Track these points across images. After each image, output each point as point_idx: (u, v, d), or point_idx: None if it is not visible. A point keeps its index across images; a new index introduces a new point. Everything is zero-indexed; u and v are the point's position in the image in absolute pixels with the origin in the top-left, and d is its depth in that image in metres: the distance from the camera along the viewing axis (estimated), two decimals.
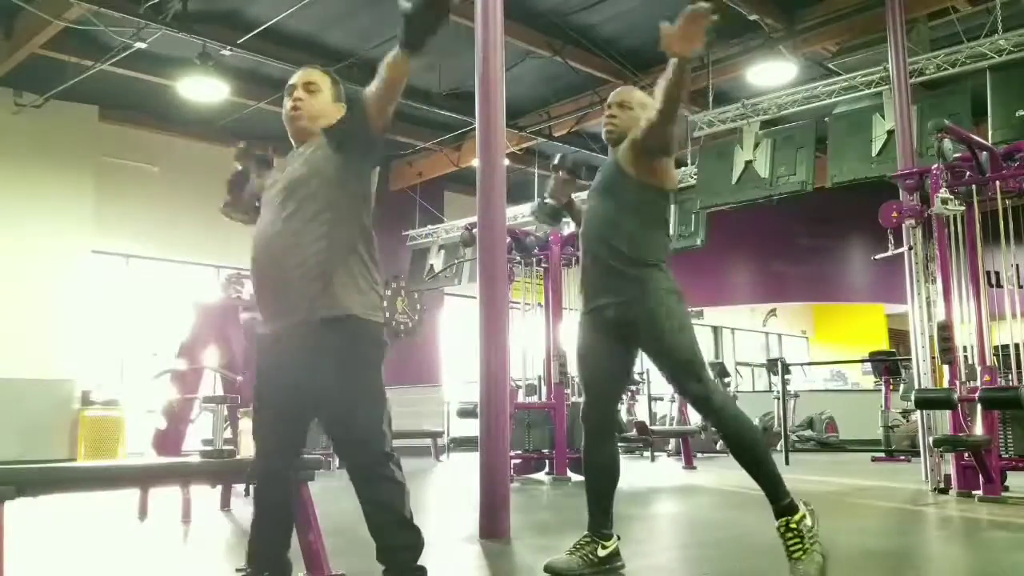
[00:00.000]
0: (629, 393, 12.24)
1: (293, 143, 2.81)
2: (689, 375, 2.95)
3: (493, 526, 4.08)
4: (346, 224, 2.61)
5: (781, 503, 2.84)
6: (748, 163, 9.02)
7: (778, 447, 9.93)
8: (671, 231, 3.39)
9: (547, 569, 3.05)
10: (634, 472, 8.89)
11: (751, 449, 2.92)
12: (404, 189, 13.77)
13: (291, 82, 2.80)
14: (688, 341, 2.98)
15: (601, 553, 3.09)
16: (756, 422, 12.44)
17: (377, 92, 2.52)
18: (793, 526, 2.80)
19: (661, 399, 12.56)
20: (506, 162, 5.01)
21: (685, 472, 8.67)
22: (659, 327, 2.96)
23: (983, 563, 3.60)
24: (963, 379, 5.60)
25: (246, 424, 3.00)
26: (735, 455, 2.94)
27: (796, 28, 9.25)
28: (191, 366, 5.21)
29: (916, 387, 6.21)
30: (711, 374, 3.06)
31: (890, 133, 7.74)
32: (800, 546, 2.78)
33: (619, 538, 3.16)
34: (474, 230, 5.51)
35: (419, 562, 2.49)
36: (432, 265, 13.00)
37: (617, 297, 3.02)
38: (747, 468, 2.91)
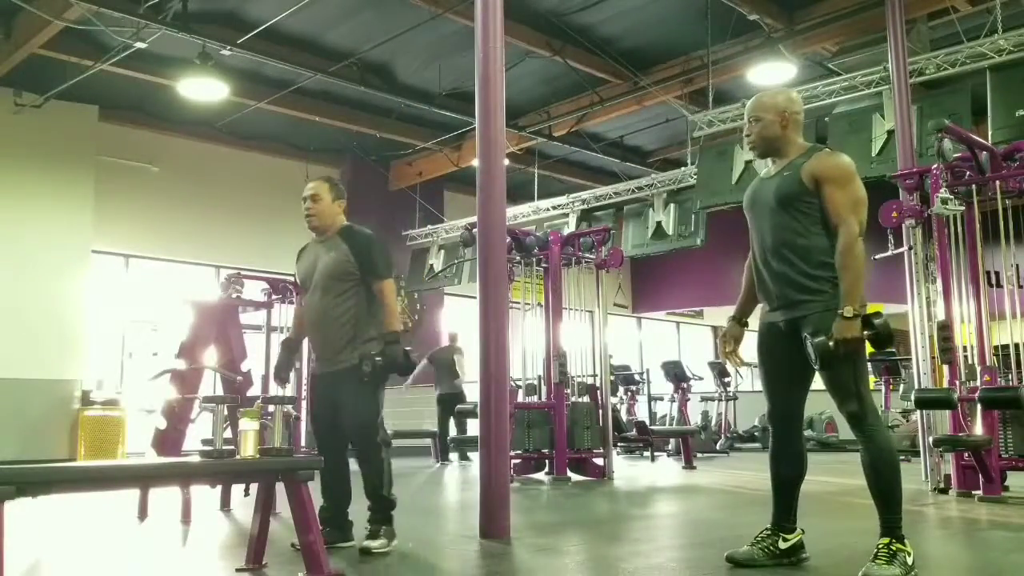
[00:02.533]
0: (629, 393, 12.28)
1: (314, 235, 3.94)
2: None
3: (493, 526, 4.08)
4: (361, 297, 3.78)
5: (893, 526, 2.88)
6: (748, 163, 9.02)
7: None
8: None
9: (728, 559, 3.12)
10: (634, 472, 8.89)
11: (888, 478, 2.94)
12: (404, 189, 13.77)
13: (304, 195, 3.88)
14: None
15: (783, 545, 3.14)
16: (756, 422, 12.49)
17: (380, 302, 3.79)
18: (894, 549, 2.84)
19: (661, 399, 12.58)
20: (506, 162, 5.01)
21: (685, 472, 8.67)
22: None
23: (983, 563, 3.60)
24: (963, 379, 5.59)
25: (246, 424, 3.01)
26: (869, 478, 2.95)
27: (796, 28, 9.25)
28: (191, 366, 5.20)
29: (916, 387, 6.20)
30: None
31: (890, 133, 7.74)
32: (887, 561, 2.81)
33: (803, 531, 3.19)
34: (474, 230, 5.51)
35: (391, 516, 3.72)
36: (432, 265, 13.00)
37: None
38: (877, 493, 2.94)
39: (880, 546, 2.86)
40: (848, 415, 2.98)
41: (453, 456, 10.58)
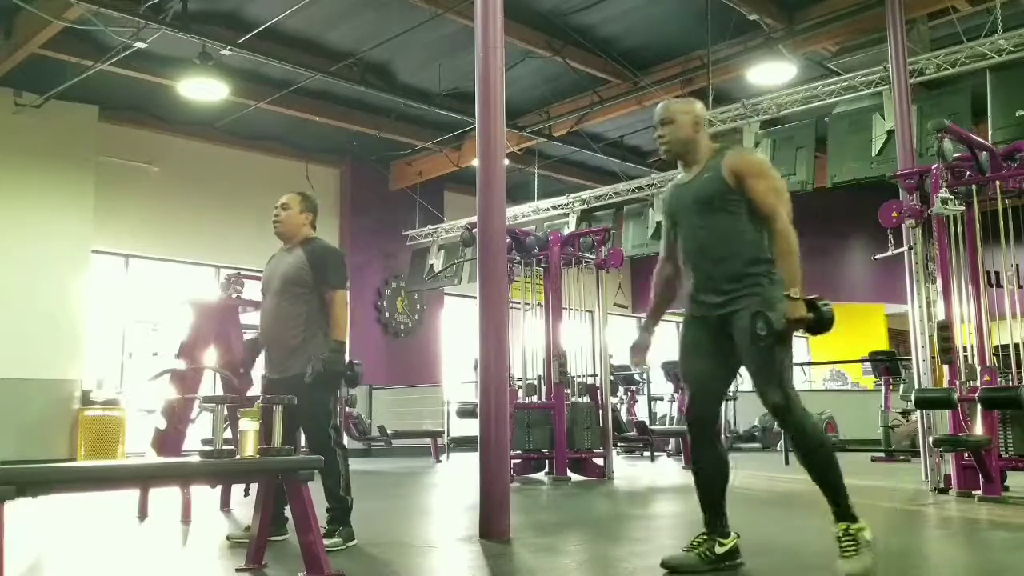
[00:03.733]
0: (629, 393, 12.28)
1: (281, 242, 4.14)
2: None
3: (493, 526, 4.08)
4: (313, 305, 3.94)
5: (841, 507, 2.95)
6: None
7: (778, 447, 9.94)
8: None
9: (664, 565, 3.13)
10: (634, 472, 8.89)
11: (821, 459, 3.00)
12: (404, 189, 13.76)
13: (276, 204, 4.11)
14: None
15: (719, 550, 3.15)
16: (756, 422, 12.48)
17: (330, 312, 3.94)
18: (852, 532, 2.91)
19: (661, 399, 12.57)
20: (506, 162, 5.01)
21: (685, 472, 8.66)
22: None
23: (983, 563, 3.60)
24: (963, 379, 5.59)
25: (246, 424, 3.01)
26: (808, 470, 3.01)
27: (796, 28, 9.24)
28: (191, 366, 5.20)
29: (916, 387, 6.20)
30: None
31: (890, 133, 7.73)
32: (854, 548, 2.89)
33: (738, 536, 3.21)
34: (474, 230, 5.51)
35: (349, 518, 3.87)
36: (432, 265, 12.99)
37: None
38: (819, 482, 2.99)
39: (840, 536, 2.92)
40: (772, 407, 3.01)
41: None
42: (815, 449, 3.00)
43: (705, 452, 3.23)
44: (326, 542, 3.56)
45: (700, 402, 3.22)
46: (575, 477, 7.81)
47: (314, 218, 4.15)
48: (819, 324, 2.99)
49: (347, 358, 4.00)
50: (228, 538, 4.03)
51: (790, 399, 2.99)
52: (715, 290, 3.11)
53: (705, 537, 3.17)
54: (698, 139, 3.25)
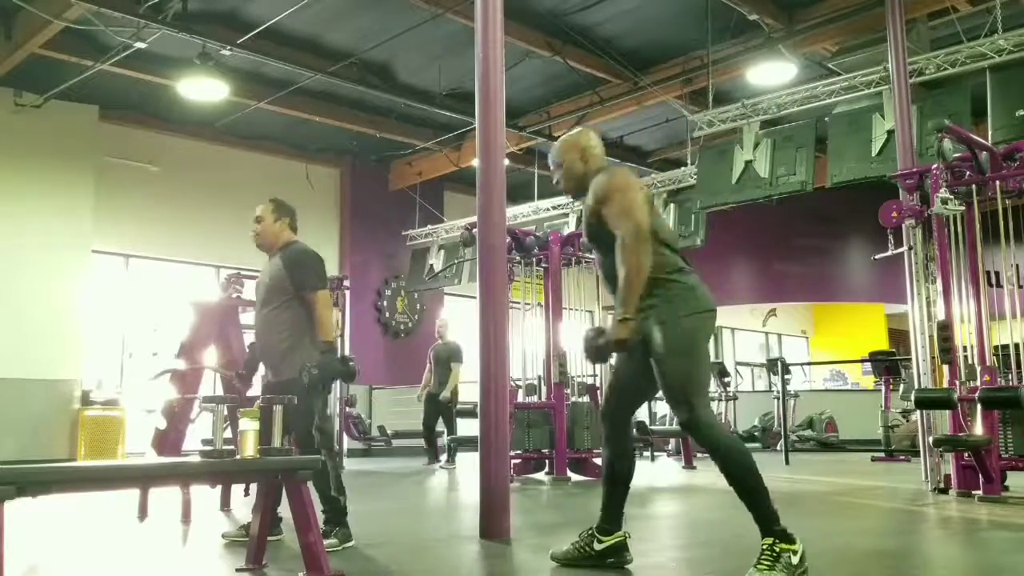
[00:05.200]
0: None
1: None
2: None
3: (493, 526, 4.08)
4: (297, 310, 3.96)
5: (769, 524, 2.85)
6: (748, 163, 9.02)
7: (778, 447, 9.94)
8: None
9: (552, 557, 3.27)
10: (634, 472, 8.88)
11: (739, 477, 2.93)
12: (404, 189, 13.77)
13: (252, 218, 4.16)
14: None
15: (597, 547, 3.18)
16: (756, 422, 12.48)
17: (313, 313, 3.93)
18: (777, 550, 2.79)
19: (661, 399, 12.55)
20: (506, 162, 5.01)
21: (685, 472, 8.67)
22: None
23: (983, 563, 3.60)
24: (963, 379, 5.60)
25: (246, 424, 3.01)
26: (729, 482, 2.96)
27: (796, 28, 9.24)
28: (191, 366, 5.20)
29: (916, 387, 6.20)
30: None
31: (890, 133, 7.74)
32: (769, 565, 2.77)
33: (627, 535, 3.22)
34: (474, 230, 5.51)
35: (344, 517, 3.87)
36: (432, 265, 12.99)
37: None
38: (740, 495, 2.93)
39: (763, 548, 2.81)
40: (681, 424, 3.01)
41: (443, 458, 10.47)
42: (731, 464, 2.92)
43: (626, 448, 3.28)
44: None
45: (616, 394, 3.28)
46: (575, 477, 7.81)
47: (291, 220, 4.15)
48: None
49: (339, 354, 4.00)
50: (223, 536, 4.03)
51: (697, 416, 2.95)
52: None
53: (588, 532, 3.22)
54: (587, 169, 3.28)
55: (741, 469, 2.90)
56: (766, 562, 2.77)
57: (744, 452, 2.96)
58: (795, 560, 2.78)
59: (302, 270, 3.97)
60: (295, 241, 4.13)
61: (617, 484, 3.23)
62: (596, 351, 3.04)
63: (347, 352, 9.80)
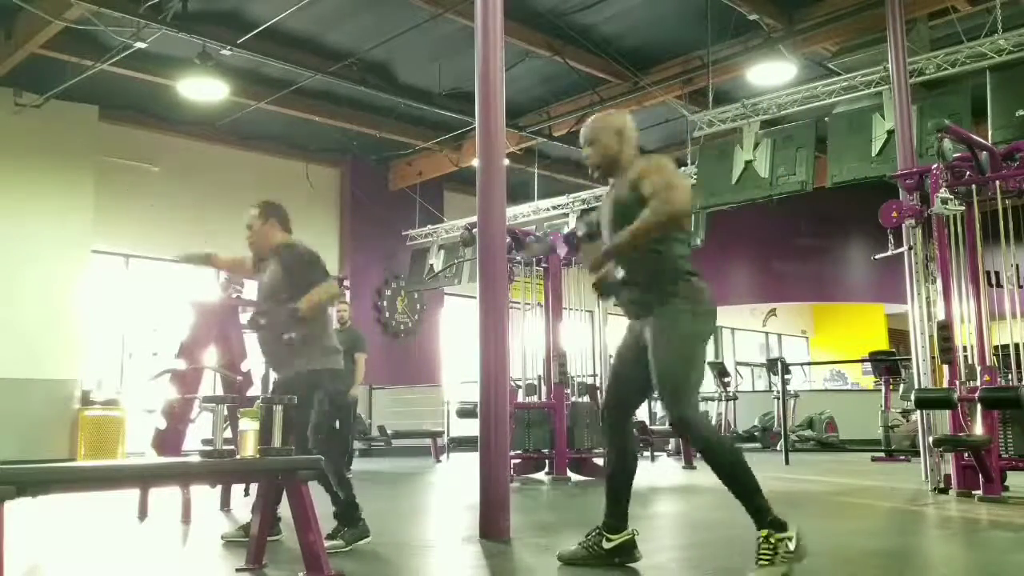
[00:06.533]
0: None
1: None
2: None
3: (493, 526, 4.08)
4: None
5: (763, 516, 2.88)
6: (748, 163, 9.02)
7: (778, 447, 9.94)
8: None
9: (559, 557, 3.25)
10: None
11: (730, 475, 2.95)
12: (404, 189, 13.77)
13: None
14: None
15: (607, 545, 3.18)
16: (756, 422, 12.47)
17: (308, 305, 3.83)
18: (772, 541, 2.83)
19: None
20: (506, 162, 5.01)
21: (685, 472, 8.67)
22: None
23: (983, 563, 3.60)
24: (963, 379, 5.59)
25: (246, 424, 3.01)
26: (720, 478, 2.99)
27: (796, 28, 9.25)
28: (191, 366, 5.20)
29: (916, 387, 6.20)
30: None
31: (890, 133, 7.74)
32: (768, 558, 2.81)
33: (636, 532, 3.23)
34: (474, 230, 5.51)
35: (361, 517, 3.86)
36: (432, 265, 12.99)
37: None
38: (732, 490, 2.96)
39: (760, 543, 2.85)
40: (672, 423, 3.04)
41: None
42: (723, 461, 2.95)
43: (628, 446, 3.27)
44: (327, 543, 3.57)
45: (615, 392, 3.28)
46: (575, 477, 7.81)
47: (280, 220, 4.13)
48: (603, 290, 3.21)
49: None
50: (222, 537, 4.03)
51: (688, 417, 2.98)
52: (633, 301, 3.19)
53: (596, 531, 3.22)
54: (623, 151, 3.28)
55: (731, 464, 2.95)
56: (765, 556, 2.82)
57: (733, 448, 3.03)
58: (791, 545, 2.83)
59: (305, 271, 3.93)
60: (289, 243, 4.09)
61: (620, 482, 3.24)
62: (581, 250, 3.08)
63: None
